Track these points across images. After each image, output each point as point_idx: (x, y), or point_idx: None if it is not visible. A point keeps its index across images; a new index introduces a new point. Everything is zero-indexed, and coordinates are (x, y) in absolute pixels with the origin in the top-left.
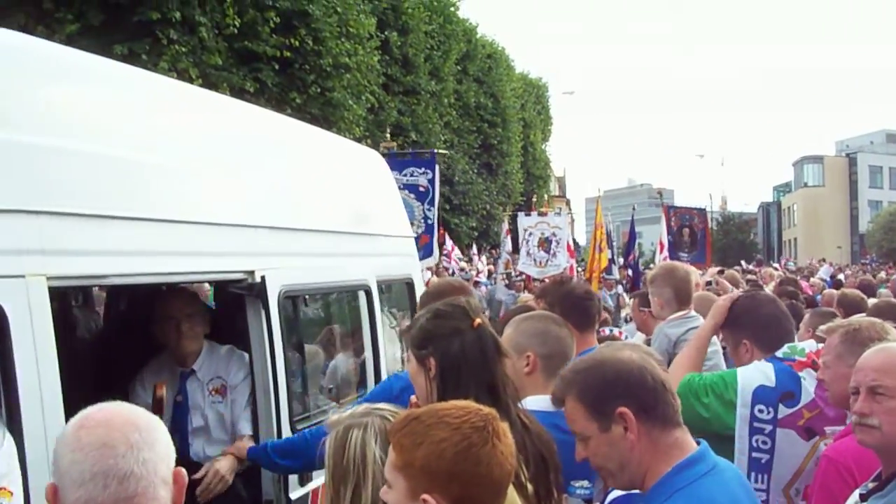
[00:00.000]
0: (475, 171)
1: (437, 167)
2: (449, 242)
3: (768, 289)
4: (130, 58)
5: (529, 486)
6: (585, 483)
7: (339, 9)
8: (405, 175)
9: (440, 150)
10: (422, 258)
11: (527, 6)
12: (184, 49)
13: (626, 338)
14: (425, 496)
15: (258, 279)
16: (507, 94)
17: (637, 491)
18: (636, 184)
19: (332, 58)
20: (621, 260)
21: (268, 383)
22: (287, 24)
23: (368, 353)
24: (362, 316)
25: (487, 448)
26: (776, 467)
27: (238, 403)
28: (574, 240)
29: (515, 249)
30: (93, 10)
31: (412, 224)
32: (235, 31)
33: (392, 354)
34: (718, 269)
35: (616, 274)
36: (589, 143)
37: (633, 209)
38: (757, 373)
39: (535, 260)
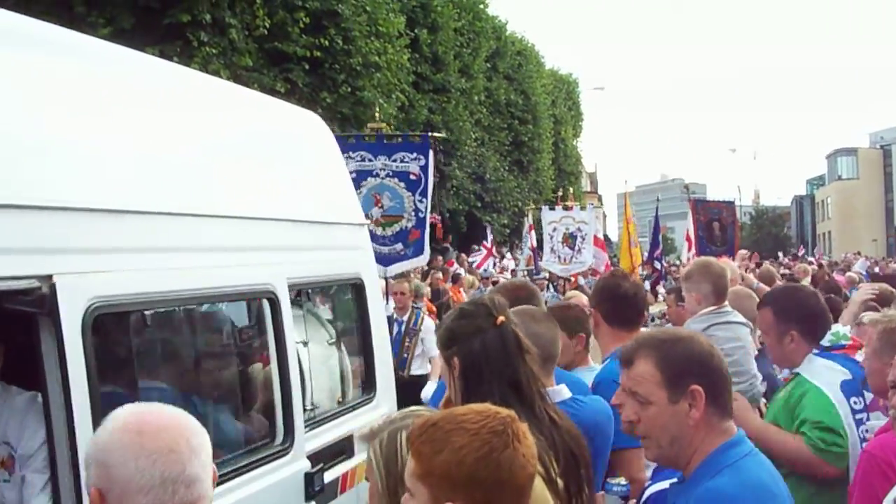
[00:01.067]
0: (506, 168)
1: (430, 153)
2: (489, 238)
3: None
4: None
5: (560, 482)
6: (622, 480)
7: (368, 8)
8: (395, 161)
9: (468, 145)
10: (411, 256)
11: (556, 2)
12: (214, 51)
13: None
14: None
15: (48, 289)
16: (537, 90)
17: (670, 483)
18: (668, 179)
19: (362, 57)
20: (645, 255)
21: (63, 451)
22: (317, 24)
23: (275, 394)
24: (265, 335)
25: (508, 452)
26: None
27: (32, 484)
28: (606, 235)
29: (541, 246)
30: (124, 13)
31: (401, 217)
32: (265, 31)
33: (329, 384)
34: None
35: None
36: (620, 138)
37: (657, 201)
38: (831, 372)
39: (559, 256)
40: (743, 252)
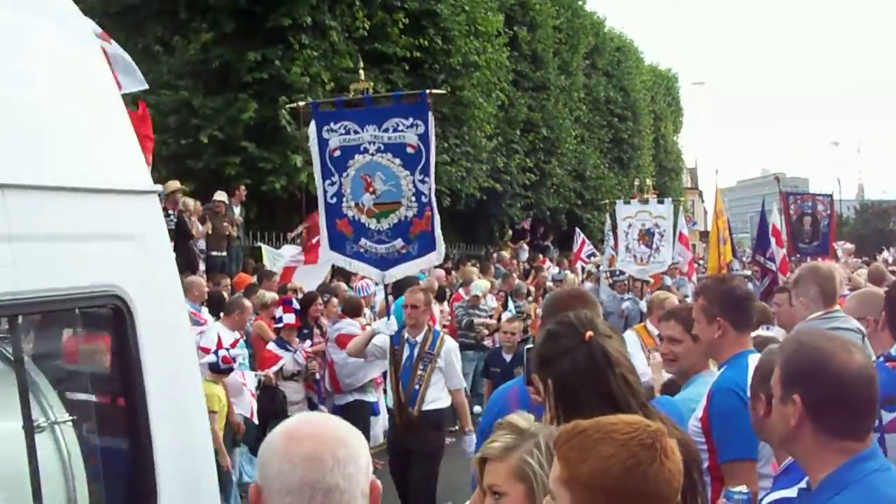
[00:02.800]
0: (606, 165)
1: (430, 116)
2: (580, 237)
3: None
4: (264, 64)
5: None
6: (743, 488)
7: (466, 7)
8: (387, 131)
9: (568, 142)
10: (416, 255)
11: None
12: (315, 53)
13: None
14: None
15: None
16: (636, 86)
17: (798, 488)
18: (769, 173)
19: (462, 56)
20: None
21: None
22: (416, 24)
23: None
24: None
25: (655, 466)
26: None
27: None
28: (707, 231)
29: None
30: (226, 18)
31: (399, 204)
32: (365, 33)
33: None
34: (853, 249)
35: (738, 268)
36: (721, 133)
37: (763, 202)
38: None
39: (635, 256)
40: (848, 246)
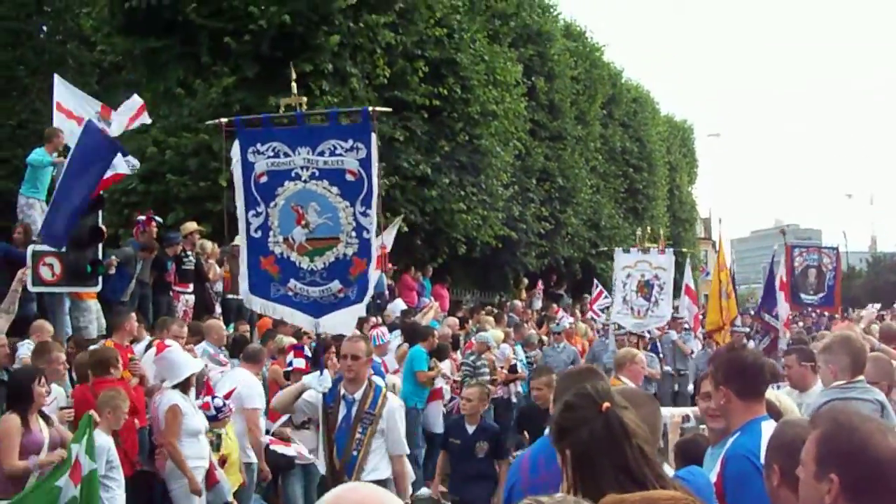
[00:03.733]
0: (621, 215)
1: (374, 138)
2: (597, 287)
3: None
4: (285, 109)
5: None
6: None
7: (486, 57)
8: (322, 154)
9: (584, 192)
10: (355, 299)
11: (672, 48)
12: (335, 100)
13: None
14: None
15: None
16: (652, 137)
17: None
18: (783, 224)
19: (480, 105)
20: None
21: None
22: (436, 72)
23: None
24: None
25: None
26: None
27: None
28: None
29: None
30: (248, 63)
31: (336, 240)
32: (385, 80)
33: None
34: (878, 310)
35: (739, 324)
36: (736, 184)
37: (773, 256)
38: None
39: (632, 308)
40: (871, 311)
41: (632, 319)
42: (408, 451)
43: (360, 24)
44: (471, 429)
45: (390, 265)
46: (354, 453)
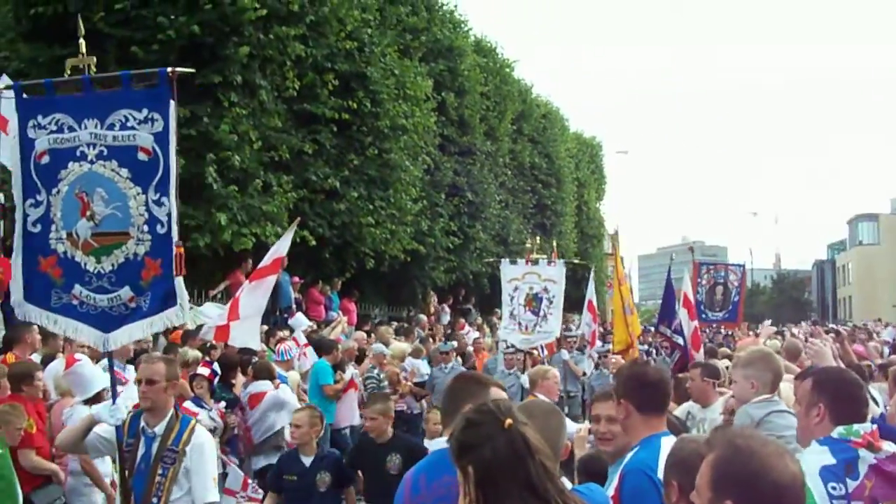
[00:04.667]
0: (529, 231)
1: (173, 107)
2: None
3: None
4: (192, 120)
5: None
6: None
7: (396, 71)
8: (112, 127)
9: (493, 207)
10: (149, 310)
11: (580, 66)
12: (244, 111)
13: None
14: None
15: None
16: (561, 153)
17: None
18: (689, 241)
19: (390, 119)
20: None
21: None
22: (345, 86)
23: None
24: None
25: None
26: None
27: None
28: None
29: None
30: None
31: (126, 235)
32: (295, 93)
33: None
34: (775, 330)
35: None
36: (643, 200)
37: (671, 259)
38: (815, 456)
39: (519, 323)
40: (768, 328)
41: (519, 335)
42: (217, 499)
43: (269, 35)
44: (307, 460)
45: (297, 278)
46: (154, 500)
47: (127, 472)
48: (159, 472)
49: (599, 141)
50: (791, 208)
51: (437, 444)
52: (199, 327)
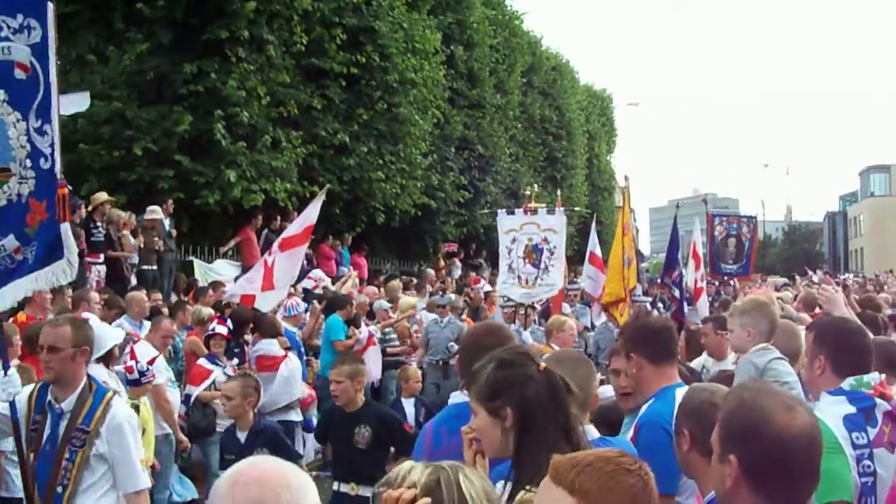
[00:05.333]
0: (540, 184)
1: (51, 9)
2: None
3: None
4: (200, 76)
5: None
6: None
7: (405, 25)
8: None
9: (503, 161)
10: (35, 265)
11: (590, 18)
12: (252, 67)
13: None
14: None
15: None
16: (571, 106)
17: None
18: (700, 193)
19: (399, 73)
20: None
21: None
22: (354, 40)
23: None
24: None
25: (650, 487)
26: (879, 487)
27: None
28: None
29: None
30: (162, 29)
31: (8, 170)
32: (303, 48)
33: None
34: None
35: (640, 293)
36: (654, 153)
37: (677, 207)
38: (834, 406)
39: (518, 277)
40: (776, 280)
41: (519, 289)
42: (147, 485)
43: None
44: (242, 436)
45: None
46: (59, 490)
47: (32, 455)
48: (66, 455)
49: (610, 93)
50: (803, 160)
51: (457, 397)
52: (212, 284)
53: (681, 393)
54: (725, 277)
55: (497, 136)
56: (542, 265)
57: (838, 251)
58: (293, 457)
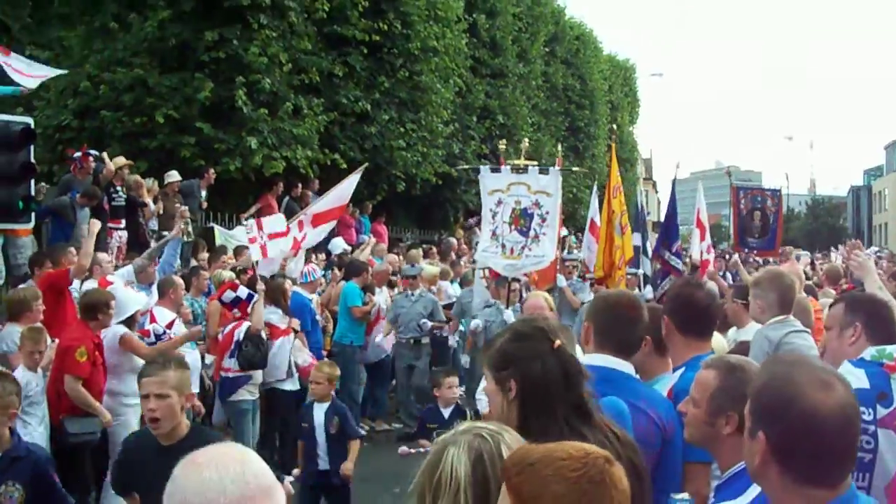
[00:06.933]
0: (562, 153)
1: None
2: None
3: None
4: (221, 43)
5: None
6: (685, 495)
7: None
8: None
9: (525, 130)
10: None
11: None
12: (274, 34)
13: None
14: None
15: None
16: (594, 76)
17: None
18: (723, 166)
19: (421, 41)
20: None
21: None
22: (376, 7)
23: None
24: None
25: (606, 502)
26: (878, 466)
27: None
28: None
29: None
30: None
31: None
32: (325, 15)
33: None
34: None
35: (646, 266)
36: (677, 124)
37: (676, 166)
38: (850, 377)
39: (503, 245)
40: (803, 255)
41: (502, 260)
42: None
43: None
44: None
45: None
46: None
47: None
48: None
49: (633, 63)
50: (827, 133)
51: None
52: (237, 250)
53: None
54: (753, 251)
55: (519, 105)
56: (532, 233)
57: (862, 226)
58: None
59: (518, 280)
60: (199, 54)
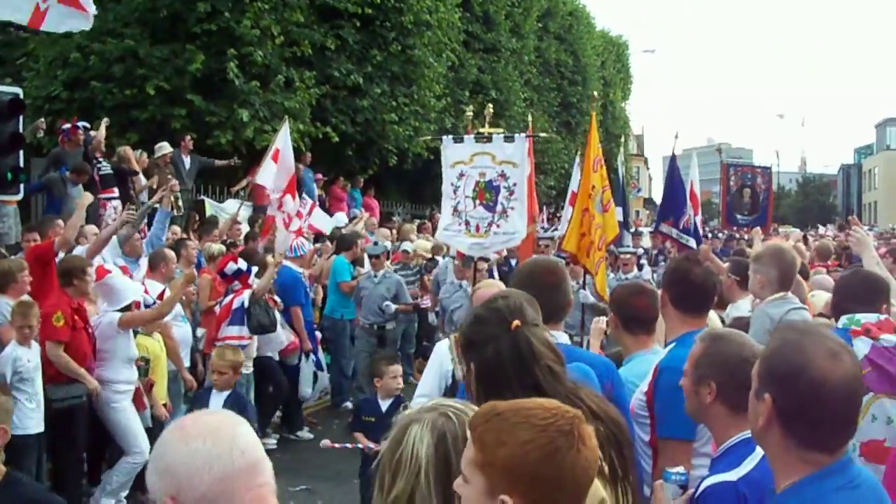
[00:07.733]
0: (554, 129)
1: None
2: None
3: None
4: (213, 15)
5: (605, 466)
6: (681, 469)
7: None
8: None
9: (517, 105)
10: None
11: None
12: (266, 6)
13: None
14: (504, 497)
15: None
16: (587, 51)
17: (732, 477)
18: (714, 143)
19: (414, 15)
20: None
21: None
22: None
23: None
24: None
25: (572, 453)
26: None
27: None
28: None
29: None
30: None
31: None
32: None
33: None
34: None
35: (629, 243)
36: (669, 101)
37: (675, 137)
38: None
39: (466, 222)
40: (795, 232)
41: (467, 238)
42: None
43: None
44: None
45: (319, 175)
46: None
47: None
48: None
49: (626, 40)
50: (818, 111)
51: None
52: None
53: None
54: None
55: (512, 80)
56: (499, 207)
57: (852, 204)
58: None
59: (486, 259)
60: (190, 25)
